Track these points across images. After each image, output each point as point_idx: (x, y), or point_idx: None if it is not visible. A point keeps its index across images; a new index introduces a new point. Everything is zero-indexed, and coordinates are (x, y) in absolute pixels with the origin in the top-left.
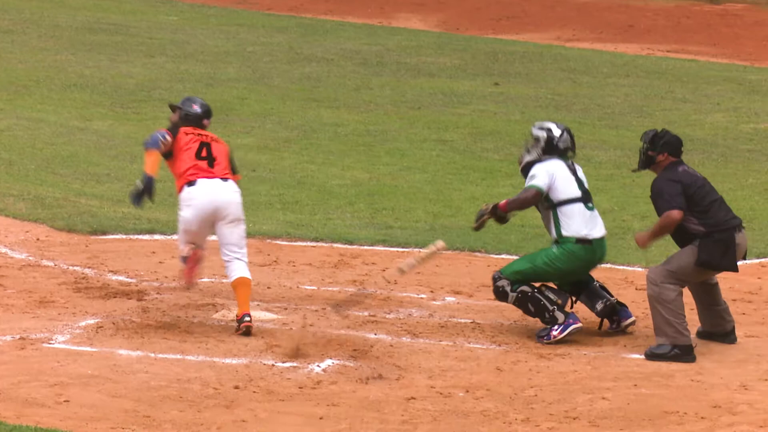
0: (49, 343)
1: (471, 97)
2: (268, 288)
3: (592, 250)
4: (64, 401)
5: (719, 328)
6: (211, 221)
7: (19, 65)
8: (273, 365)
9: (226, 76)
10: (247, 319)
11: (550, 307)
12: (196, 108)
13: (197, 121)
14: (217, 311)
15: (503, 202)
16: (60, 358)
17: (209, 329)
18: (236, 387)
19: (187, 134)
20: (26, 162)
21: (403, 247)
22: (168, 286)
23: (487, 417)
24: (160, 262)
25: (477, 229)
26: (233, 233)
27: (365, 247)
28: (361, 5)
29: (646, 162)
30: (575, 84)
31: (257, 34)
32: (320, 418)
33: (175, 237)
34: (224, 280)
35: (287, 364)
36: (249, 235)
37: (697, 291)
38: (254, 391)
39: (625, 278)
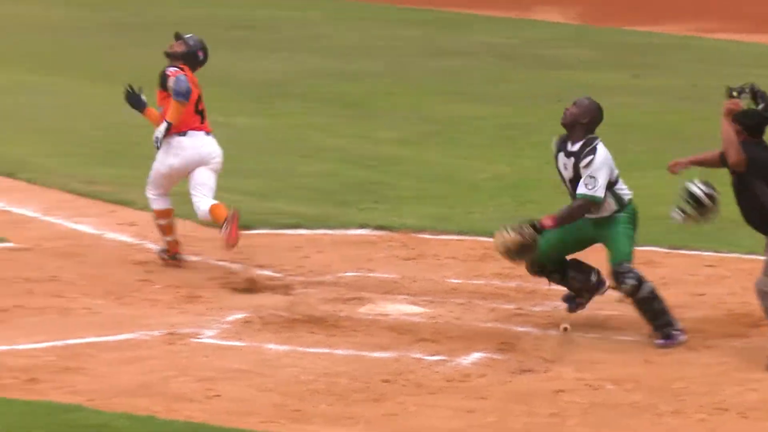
0: (198, 338)
1: (610, 89)
2: (414, 281)
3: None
4: (214, 396)
5: None
6: (192, 169)
7: (154, 63)
8: (421, 359)
9: (366, 71)
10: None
11: (667, 309)
12: (201, 55)
13: (195, 65)
14: (363, 305)
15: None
16: (208, 353)
17: (357, 323)
18: (385, 381)
19: (191, 82)
20: None
21: None
22: (314, 281)
23: (637, 409)
24: (305, 257)
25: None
26: (211, 177)
27: None
28: None
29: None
30: (714, 75)
31: (396, 29)
32: (469, 411)
33: (320, 231)
34: (370, 274)
35: (435, 358)
36: (394, 228)
37: None
38: (403, 385)
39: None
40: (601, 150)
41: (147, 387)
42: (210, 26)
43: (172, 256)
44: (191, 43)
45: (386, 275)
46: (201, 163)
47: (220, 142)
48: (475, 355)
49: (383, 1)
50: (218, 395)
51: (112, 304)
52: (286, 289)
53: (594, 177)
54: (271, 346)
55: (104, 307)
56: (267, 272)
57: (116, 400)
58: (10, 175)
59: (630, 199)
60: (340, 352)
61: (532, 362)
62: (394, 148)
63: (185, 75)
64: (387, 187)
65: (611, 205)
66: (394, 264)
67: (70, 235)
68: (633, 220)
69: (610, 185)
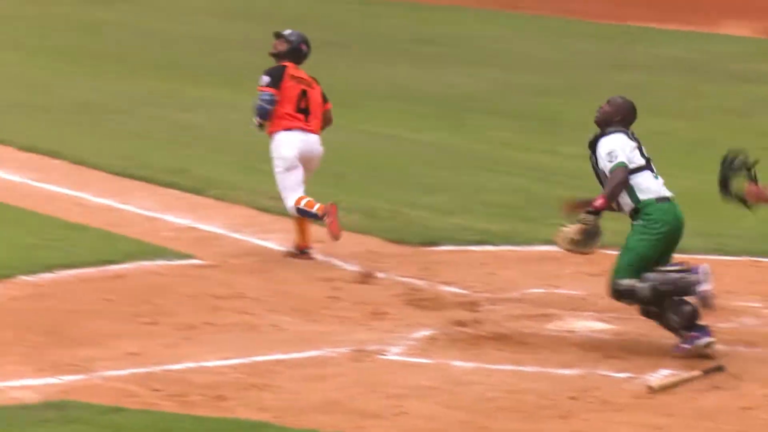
0: (384, 355)
1: None
2: (601, 298)
3: (675, 207)
4: (401, 413)
5: None
6: (305, 160)
7: (349, 78)
8: (608, 375)
9: (552, 85)
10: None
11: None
12: (305, 48)
13: (300, 59)
14: (550, 321)
15: None
16: (395, 370)
17: (543, 339)
18: (572, 398)
19: (292, 78)
20: (357, 174)
21: (737, 256)
22: (501, 297)
23: None
24: (491, 273)
25: None
26: (306, 177)
27: (698, 256)
28: (686, 13)
29: None
30: None
31: (583, 43)
32: (656, 428)
33: (506, 247)
34: (556, 290)
35: (622, 375)
36: None
37: None
38: (590, 402)
39: None
40: (615, 134)
41: (334, 404)
42: (398, 41)
43: (303, 250)
44: (293, 39)
45: (573, 291)
46: (311, 155)
47: (408, 158)
48: (663, 372)
49: (569, 15)
50: (406, 412)
51: (298, 321)
52: (472, 305)
53: (610, 152)
54: (458, 363)
55: (291, 324)
56: (453, 289)
57: (303, 417)
58: (197, 191)
59: (650, 199)
60: (526, 369)
61: (719, 379)
62: (580, 163)
63: (270, 95)
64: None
65: (626, 200)
66: (581, 280)
67: (256, 252)
68: (658, 221)
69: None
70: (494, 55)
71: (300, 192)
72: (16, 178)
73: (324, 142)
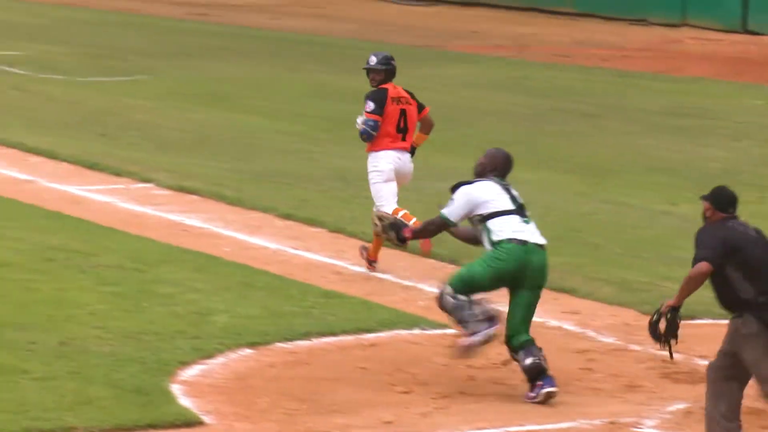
0: (639, 428)
1: None
2: None
3: (527, 251)
4: None
5: None
6: (400, 176)
7: (603, 150)
8: None
9: None
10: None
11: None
12: (394, 64)
13: (393, 76)
14: None
15: None
16: None
17: None
18: None
19: (393, 100)
20: (612, 246)
21: None
22: None
23: None
24: None
25: None
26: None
27: None
28: None
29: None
30: None
31: None
32: None
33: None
34: None
35: None
36: None
37: None
38: None
39: None
40: (473, 185)
41: None
42: (652, 113)
43: (371, 262)
44: (381, 67)
45: None
46: (404, 172)
47: (663, 231)
48: None
49: None
50: None
51: None
52: None
53: (452, 199)
54: None
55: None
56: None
57: None
58: (454, 261)
59: (506, 240)
60: None
61: None
62: None
63: (375, 121)
64: None
65: (485, 240)
66: None
67: None
68: (500, 258)
69: (483, 218)
70: (750, 127)
71: (394, 203)
72: (273, 245)
73: (575, 214)
